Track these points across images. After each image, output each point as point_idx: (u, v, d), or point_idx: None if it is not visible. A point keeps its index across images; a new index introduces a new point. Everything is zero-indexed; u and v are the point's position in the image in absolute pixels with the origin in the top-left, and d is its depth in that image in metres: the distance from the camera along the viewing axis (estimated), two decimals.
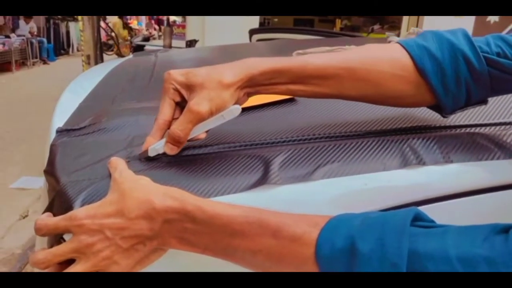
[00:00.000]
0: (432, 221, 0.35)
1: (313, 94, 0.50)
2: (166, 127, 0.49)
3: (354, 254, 0.32)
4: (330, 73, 0.48)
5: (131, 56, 1.24)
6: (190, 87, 0.48)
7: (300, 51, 0.88)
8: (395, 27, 3.36)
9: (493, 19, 2.64)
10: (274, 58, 0.49)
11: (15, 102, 4.76)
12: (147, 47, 3.65)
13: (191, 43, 3.09)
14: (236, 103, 0.48)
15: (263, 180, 0.46)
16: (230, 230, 0.37)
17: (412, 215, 0.34)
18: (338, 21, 4.00)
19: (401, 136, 0.52)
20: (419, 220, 0.35)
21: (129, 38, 5.91)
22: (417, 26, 2.83)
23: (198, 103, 0.46)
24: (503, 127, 0.54)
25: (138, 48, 3.73)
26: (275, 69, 0.48)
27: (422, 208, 0.46)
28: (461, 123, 0.55)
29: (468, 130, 0.53)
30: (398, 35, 1.12)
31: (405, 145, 0.50)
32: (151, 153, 0.50)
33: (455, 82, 0.48)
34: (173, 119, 0.50)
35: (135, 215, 0.39)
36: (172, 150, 0.48)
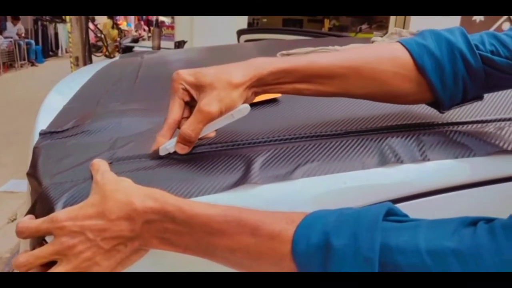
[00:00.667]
0: (405, 215, 0.36)
1: (318, 93, 0.51)
2: (176, 126, 0.50)
3: (328, 250, 0.33)
4: (335, 72, 0.50)
5: (117, 57, 1.23)
6: (200, 87, 0.48)
7: (284, 52, 0.89)
8: (383, 27, 3.39)
9: (478, 18, 2.68)
10: (281, 58, 0.50)
11: (3, 104, 4.71)
12: (136, 48, 3.64)
13: (179, 44, 3.08)
14: (244, 102, 0.49)
15: (243, 180, 0.46)
16: (210, 229, 0.38)
17: (384, 211, 0.35)
18: (326, 21, 4.02)
19: (380, 135, 0.53)
20: (392, 215, 0.35)
21: (118, 39, 5.87)
22: (404, 26, 2.86)
23: (208, 103, 0.47)
24: (479, 125, 0.55)
25: (127, 49, 3.71)
26: (283, 69, 0.49)
27: (400, 205, 0.47)
28: (439, 121, 0.56)
29: (445, 128, 0.54)
30: (384, 35, 1.13)
31: (383, 144, 0.51)
32: (162, 152, 0.50)
33: (453, 79, 0.49)
34: (182, 118, 0.51)
35: (116, 217, 0.39)
36: (183, 150, 0.49)
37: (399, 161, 0.48)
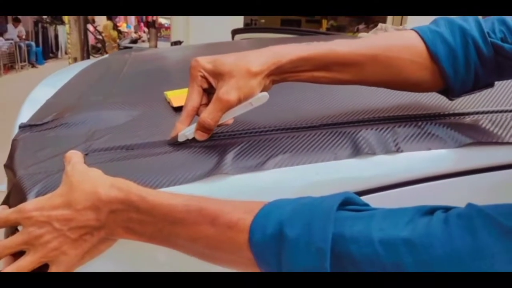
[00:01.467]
0: (366, 205, 0.36)
1: (335, 81, 0.51)
2: (195, 113, 0.51)
3: (282, 240, 0.33)
4: (353, 60, 0.50)
5: (107, 55, 1.24)
6: (218, 75, 0.48)
7: None
8: None
9: None
10: (300, 45, 0.50)
11: (3, 104, 4.71)
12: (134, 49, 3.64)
13: (175, 44, 3.08)
14: (262, 90, 0.49)
15: (215, 170, 0.46)
16: (172, 218, 0.38)
17: (340, 200, 0.34)
18: (324, 22, 4.02)
19: (354, 128, 0.53)
20: (351, 204, 0.35)
21: (118, 40, 5.88)
22: (401, 25, 2.85)
23: (227, 91, 0.47)
24: (456, 118, 0.55)
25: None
26: (302, 57, 0.49)
27: (371, 196, 0.47)
28: (416, 114, 0.56)
29: (421, 121, 0.54)
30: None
31: (357, 136, 0.51)
32: (181, 139, 0.51)
33: (465, 67, 0.49)
34: (201, 105, 0.51)
35: (82, 207, 0.39)
36: (202, 137, 0.50)
37: (371, 152, 0.48)
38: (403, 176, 0.48)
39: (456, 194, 0.49)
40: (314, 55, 0.49)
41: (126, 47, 3.96)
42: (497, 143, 0.49)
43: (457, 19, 0.51)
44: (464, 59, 0.49)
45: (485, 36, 0.49)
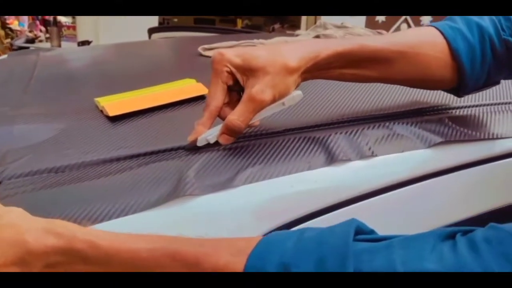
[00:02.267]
0: (372, 231, 0.31)
1: (362, 78, 0.50)
2: (218, 113, 0.45)
3: None
4: (384, 56, 0.48)
5: (5, 56, 1.05)
6: (249, 71, 0.43)
7: (206, 46, 0.83)
8: (295, 26, 3.46)
9: (380, 19, 2.86)
10: (334, 41, 0.48)
11: None
12: (32, 49, 3.26)
13: (83, 45, 2.82)
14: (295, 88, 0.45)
15: (176, 192, 0.38)
16: (134, 268, 0.30)
17: (353, 230, 0.29)
18: (239, 21, 4.01)
19: (323, 132, 0.48)
20: (359, 232, 0.30)
21: (9, 40, 5.23)
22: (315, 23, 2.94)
23: (262, 90, 0.42)
24: (423, 116, 0.54)
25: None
26: (338, 52, 0.45)
27: (353, 207, 0.43)
28: (378, 113, 0.53)
29: (386, 121, 0.51)
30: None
31: (328, 141, 0.46)
32: (200, 143, 0.45)
33: (481, 64, 0.49)
34: (223, 104, 0.45)
35: (3, 263, 0.29)
36: (227, 141, 0.44)
37: (346, 158, 0.44)
38: (381, 183, 0.45)
39: (434, 195, 0.47)
40: (349, 50, 0.46)
41: (21, 47, 3.50)
42: (465, 140, 0.48)
43: (473, 16, 0.51)
44: (481, 56, 0.49)
45: (499, 33, 0.49)
